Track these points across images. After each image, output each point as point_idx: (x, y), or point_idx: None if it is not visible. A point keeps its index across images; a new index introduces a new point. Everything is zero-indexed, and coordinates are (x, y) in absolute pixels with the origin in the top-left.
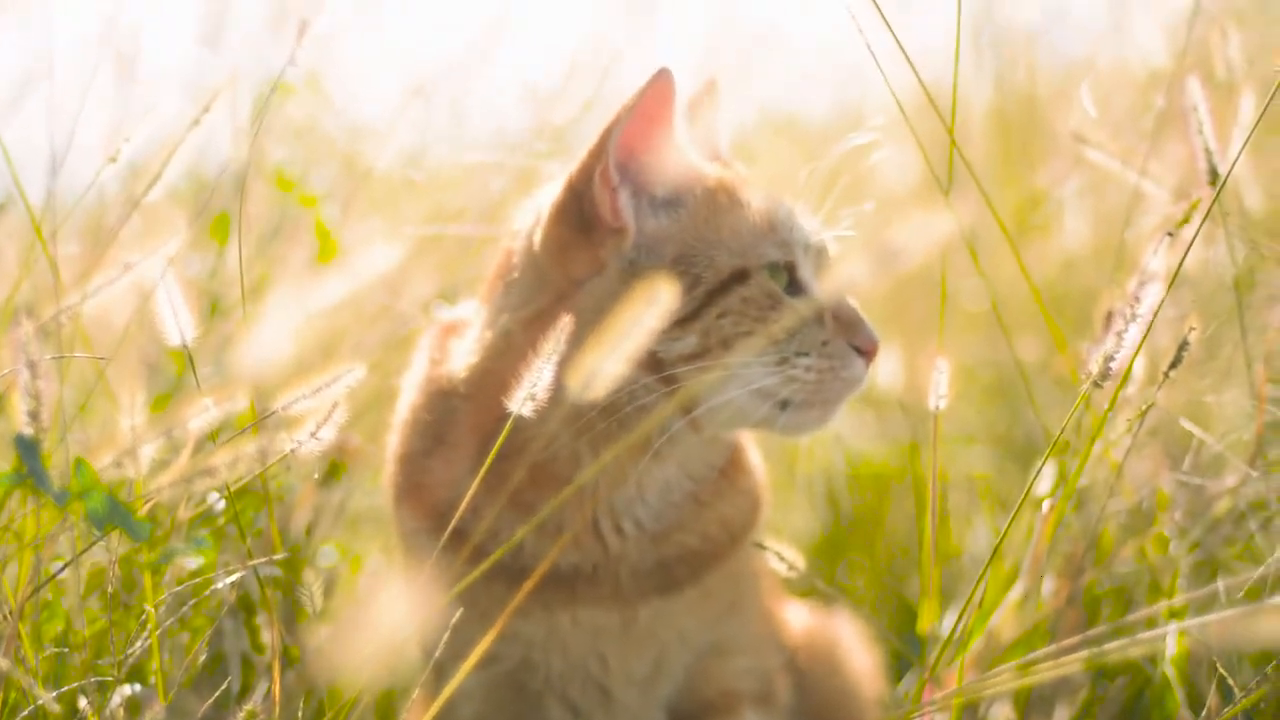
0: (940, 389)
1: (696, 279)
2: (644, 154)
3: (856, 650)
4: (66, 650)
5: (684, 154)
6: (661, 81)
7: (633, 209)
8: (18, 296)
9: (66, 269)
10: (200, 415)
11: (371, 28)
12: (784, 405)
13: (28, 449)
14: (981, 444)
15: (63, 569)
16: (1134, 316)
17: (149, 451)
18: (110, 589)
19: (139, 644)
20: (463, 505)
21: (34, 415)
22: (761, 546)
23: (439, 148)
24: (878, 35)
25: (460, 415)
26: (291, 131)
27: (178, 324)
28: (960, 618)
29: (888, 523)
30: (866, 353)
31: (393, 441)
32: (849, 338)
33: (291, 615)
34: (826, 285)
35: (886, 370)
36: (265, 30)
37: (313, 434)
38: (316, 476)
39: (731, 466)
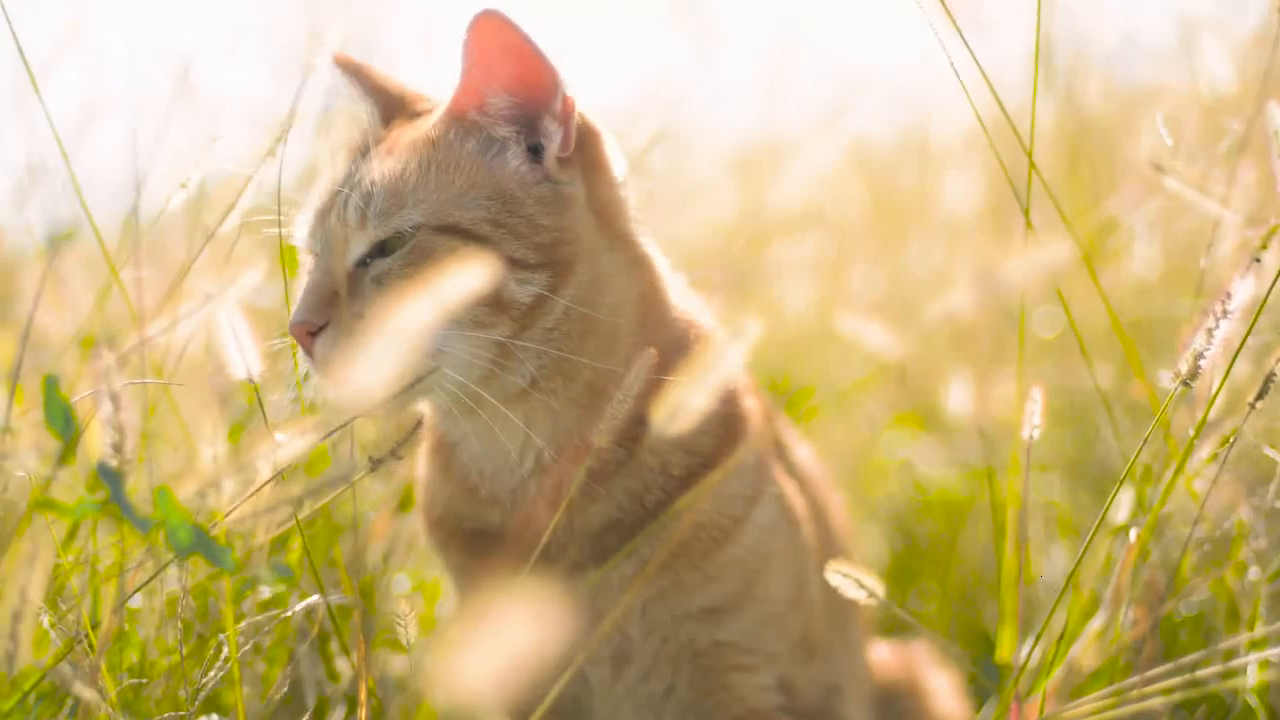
0: (1034, 418)
1: None
2: None
3: (945, 694)
4: (144, 681)
5: None
6: None
7: None
8: (92, 326)
9: (136, 297)
10: (282, 447)
11: (435, 54)
12: None
13: (112, 479)
14: (1054, 471)
15: (133, 594)
16: (1224, 313)
17: (231, 482)
18: (186, 617)
19: (214, 673)
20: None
21: (117, 447)
22: (840, 574)
23: None
24: (944, 60)
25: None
26: None
27: (244, 358)
28: (1041, 645)
29: (959, 549)
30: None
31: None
32: None
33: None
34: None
35: (956, 396)
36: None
37: (394, 452)
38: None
39: (614, 434)
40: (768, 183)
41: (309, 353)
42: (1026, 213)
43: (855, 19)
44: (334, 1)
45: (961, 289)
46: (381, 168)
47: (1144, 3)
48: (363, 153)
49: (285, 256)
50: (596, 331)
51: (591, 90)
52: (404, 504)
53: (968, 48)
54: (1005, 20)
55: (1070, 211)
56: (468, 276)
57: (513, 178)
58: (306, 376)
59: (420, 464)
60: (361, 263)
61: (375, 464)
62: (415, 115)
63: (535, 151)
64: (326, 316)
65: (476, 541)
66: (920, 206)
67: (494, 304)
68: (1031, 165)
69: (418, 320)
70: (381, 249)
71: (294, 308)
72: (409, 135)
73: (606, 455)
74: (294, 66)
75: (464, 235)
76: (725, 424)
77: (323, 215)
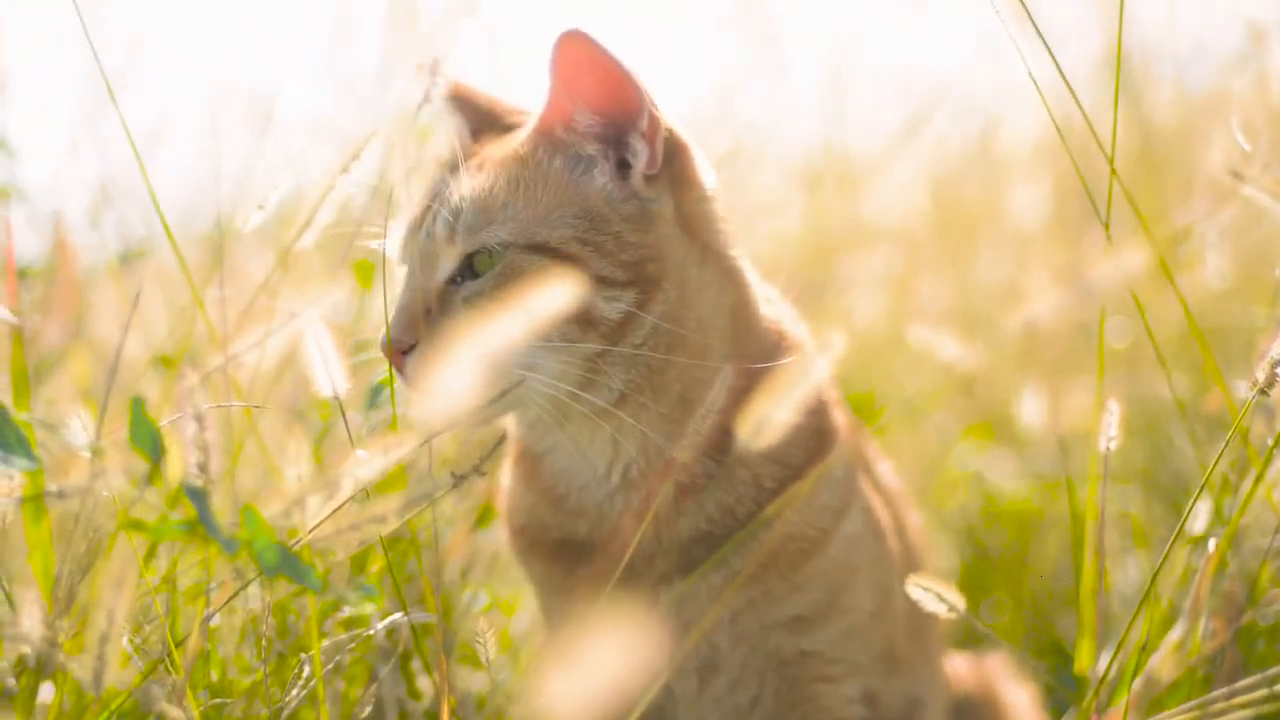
0: (1110, 430)
1: None
2: None
3: (1022, 707)
4: (225, 700)
5: None
6: None
7: None
8: (168, 344)
9: (218, 315)
10: (365, 465)
11: (501, 67)
12: None
13: (198, 498)
14: (1128, 482)
15: (212, 614)
16: None
17: (315, 501)
18: (268, 636)
19: (296, 692)
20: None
21: (203, 467)
22: (921, 587)
23: None
24: (1012, 69)
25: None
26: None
27: (330, 376)
28: (1120, 657)
29: (1031, 560)
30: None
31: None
32: None
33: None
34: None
35: (1029, 407)
36: (395, 75)
37: (477, 468)
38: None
39: (697, 449)
40: (836, 196)
41: (400, 371)
42: (1107, 226)
43: (920, 30)
44: (402, 19)
45: (1041, 298)
46: (471, 183)
47: (1209, 10)
48: (452, 168)
49: (361, 274)
50: (686, 346)
51: (665, 105)
52: (481, 519)
53: (1050, 54)
54: (1067, 31)
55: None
56: (557, 296)
57: (600, 195)
58: (375, 394)
59: (503, 473)
60: (453, 280)
61: (458, 480)
62: (506, 130)
63: (623, 167)
64: (417, 335)
65: (560, 551)
66: (988, 216)
67: (583, 321)
68: (1113, 173)
69: (508, 339)
70: (471, 267)
71: (389, 325)
72: (499, 151)
73: (697, 468)
74: (365, 82)
75: (552, 254)
76: (816, 437)
77: (414, 230)
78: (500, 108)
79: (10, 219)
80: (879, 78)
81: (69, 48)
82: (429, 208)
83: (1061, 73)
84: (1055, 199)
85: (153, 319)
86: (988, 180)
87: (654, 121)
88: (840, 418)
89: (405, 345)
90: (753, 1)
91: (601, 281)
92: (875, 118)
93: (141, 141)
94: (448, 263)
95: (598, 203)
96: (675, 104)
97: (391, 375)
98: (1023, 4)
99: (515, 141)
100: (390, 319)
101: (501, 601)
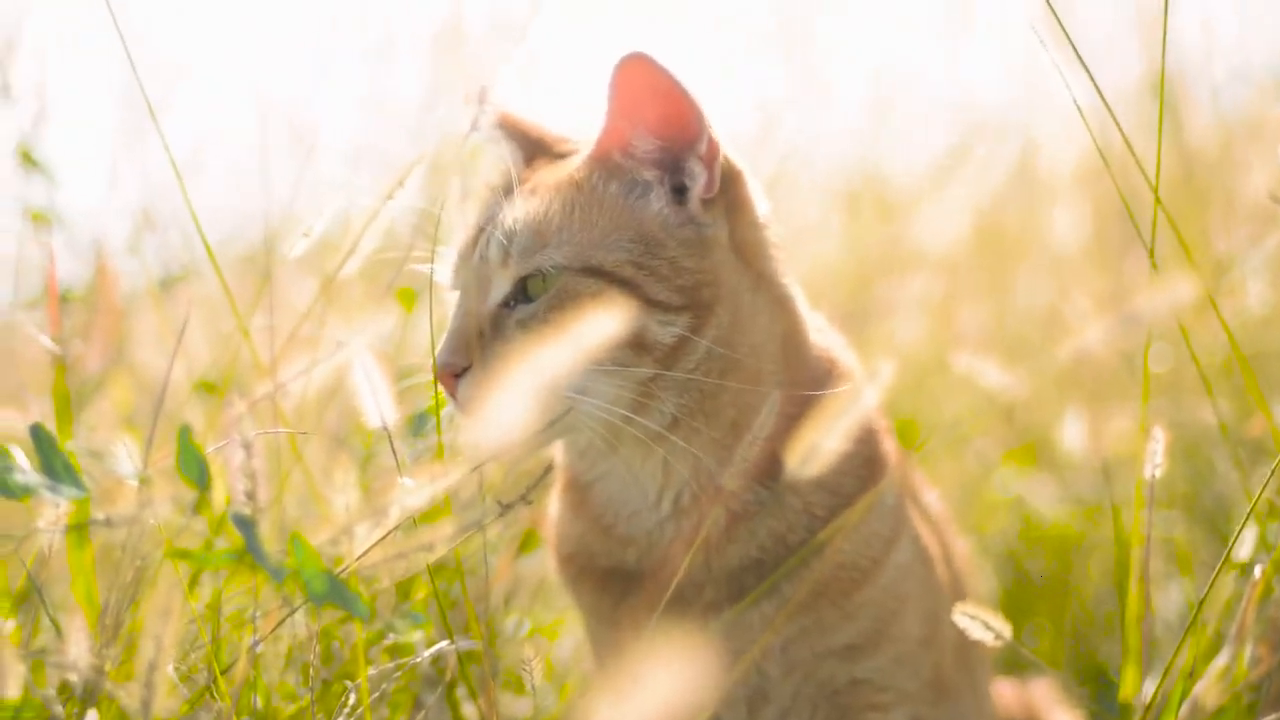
0: (1156, 457)
1: None
2: None
3: None
4: None
5: None
6: None
7: None
8: (210, 371)
9: (264, 343)
10: (412, 493)
11: (543, 89)
12: None
13: (245, 527)
14: (1169, 507)
15: (259, 642)
16: None
17: (363, 530)
18: (312, 665)
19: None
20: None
21: (250, 495)
22: (967, 615)
23: None
24: (1049, 95)
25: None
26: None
27: (378, 405)
28: (1165, 683)
29: (1072, 586)
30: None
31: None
32: None
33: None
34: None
35: (1071, 432)
36: (440, 101)
37: (523, 497)
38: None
39: (744, 476)
40: (877, 221)
41: (452, 395)
42: (1151, 251)
43: (961, 54)
44: (447, 46)
45: (1088, 328)
46: (525, 207)
47: (1248, 34)
48: (505, 192)
49: (405, 300)
50: (739, 371)
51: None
52: (524, 546)
53: (1091, 78)
54: (1106, 56)
55: (1178, 247)
56: (611, 319)
57: (655, 220)
58: (420, 422)
59: (551, 502)
60: (506, 304)
61: (505, 509)
62: (558, 156)
63: (678, 192)
64: (470, 359)
65: (609, 580)
66: (1028, 240)
67: (636, 345)
68: (1156, 199)
69: (560, 362)
70: (524, 291)
71: (439, 350)
72: (552, 176)
73: (748, 495)
74: (410, 108)
75: (606, 278)
76: (867, 465)
77: (466, 255)
78: (551, 136)
79: (52, 244)
80: (920, 102)
81: (110, 72)
82: (482, 231)
83: (1102, 96)
84: (1095, 223)
85: (194, 345)
86: (1028, 204)
87: (713, 145)
88: (890, 446)
89: (458, 369)
90: (795, 26)
91: (655, 306)
92: (916, 141)
93: (182, 166)
94: (501, 286)
95: (653, 227)
96: (721, 128)
97: (437, 402)
98: (1063, 28)
99: (570, 166)
100: (441, 343)
101: (545, 627)
